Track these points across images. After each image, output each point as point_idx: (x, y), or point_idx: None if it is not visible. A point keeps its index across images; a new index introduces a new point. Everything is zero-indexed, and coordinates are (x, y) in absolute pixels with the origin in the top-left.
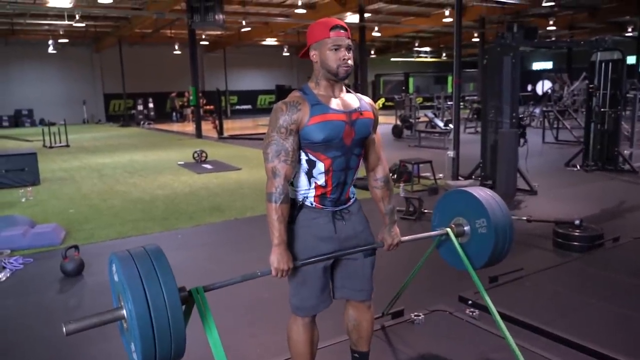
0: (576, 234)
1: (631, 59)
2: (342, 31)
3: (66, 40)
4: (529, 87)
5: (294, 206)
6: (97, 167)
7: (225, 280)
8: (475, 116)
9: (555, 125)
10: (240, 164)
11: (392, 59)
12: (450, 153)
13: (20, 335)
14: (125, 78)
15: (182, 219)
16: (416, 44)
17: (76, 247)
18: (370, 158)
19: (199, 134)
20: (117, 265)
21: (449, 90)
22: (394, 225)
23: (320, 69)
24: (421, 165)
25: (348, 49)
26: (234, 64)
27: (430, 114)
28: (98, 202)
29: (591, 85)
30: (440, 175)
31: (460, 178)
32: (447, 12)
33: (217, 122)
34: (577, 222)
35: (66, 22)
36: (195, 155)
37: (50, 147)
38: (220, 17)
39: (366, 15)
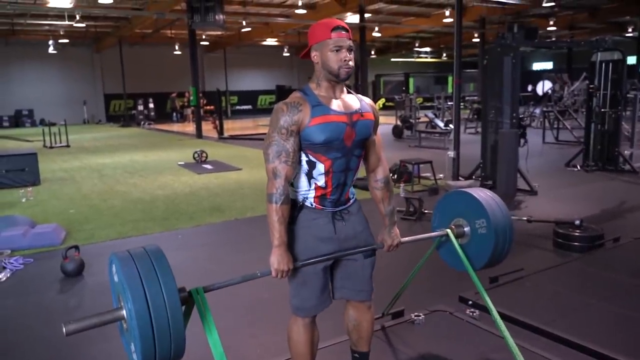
0: (576, 234)
1: (631, 59)
2: (343, 32)
3: (66, 41)
4: (529, 88)
5: (294, 207)
6: (98, 167)
7: (225, 281)
8: (475, 116)
9: (555, 126)
10: (240, 164)
11: (393, 59)
12: (451, 153)
13: (21, 335)
14: (126, 78)
15: (183, 219)
16: (416, 44)
17: (76, 247)
18: (370, 159)
19: (199, 134)
20: (117, 265)
21: (449, 90)
22: (394, 227)
23: (321, 70)
24: (421, 165)
25: (349, 50)
26: (234, 64)
27: (430, 114)
28: (98, 202)
29: (591, 86)
30: (441, 175)
31: (460, 178)
32: (447, 13)
33: (217, 122)
34: (577, 222)
35: (66, 23)
36: (196, 155)
37: (51, 147)
38: (220, 17)
39: (366, 15)
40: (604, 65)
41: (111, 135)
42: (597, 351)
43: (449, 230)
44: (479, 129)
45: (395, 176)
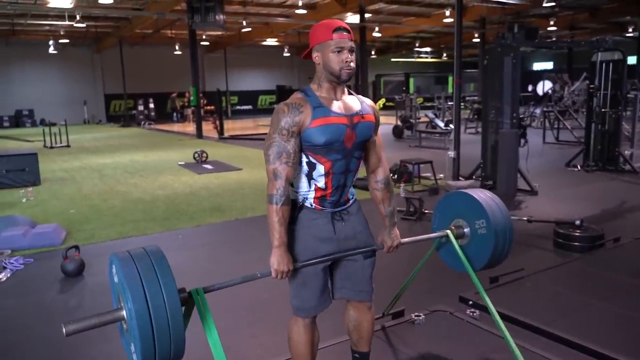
0: (577, 234)
1: (632, 59)
2: (345, 33)
3: (67, 41)
4: (530, 88)
5: (294, 207)
6: (98, 167)
7: (225, 282)
8: (475, 116)
9: (555, 126)
10: (240, 164)
11: (393, 60)
12: (451, 153)
13: (21, 335)
14: (126, 78)
15: (183, 219)
16: (417, 45)
17: (77, 247)
18: (370, 160)
19: (199, 134)
20: (117, 266)
21: (450, 90)
22: (394, 227)
23: (322, 71)
24: (422, 165)
25: (351, 51)
26: (235, 65)
27: (430, 114)
28: (99, 202)
29: (592, 86)
30: (441, 175)
31: (460, 178)
32: (447, 13)
33: (217, 122)
34: (577, 222)
35: (67, 23)
36: (196, 155)
37: (51, 147)
38: (220, 17)
39: (367, 15)
40: (604, 65)
41: (111, 135)
42: (598, 351)
43: (448, 231)
44: (479, 129)
45: (396, 176)
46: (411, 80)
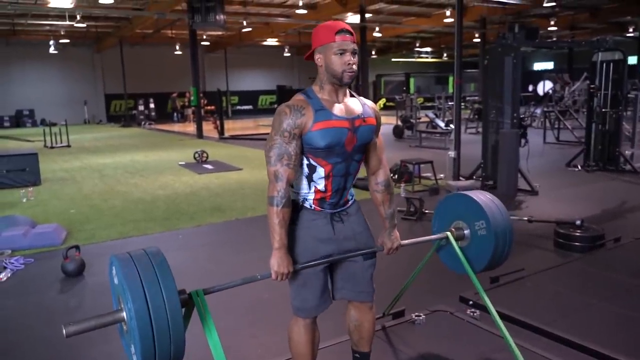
0: (577, 234)
1: (632, 59)
2: (347, 35)
3: (67, 41)
4: (530, 88)
5: (294, 207)
6: (98, 167)
7: (226, 284)
8: (476, 116)
9: (556, 126)
10: (241, 164)
11: (393, 59)
12: (451, 153)
13: (21, 335)
14: (126, 78)
15: (183, 219)
16: (417, 45)
17: (77, 247)
18: (371, 162)
19: (199, 134)
20: (117, 267)
21: (450, 90)
22: (394, 229)
23: (324, 72)
24: (422, 165)
25: (353, 53)
26: (235, 65)
27: (431, 114)
28: (99, 202)
29: (592, 86)
30: (441, 175)
31: (461, 178)
32: (448, 13)
33: (218, 122)
34: (578, 222)
35: (67, 23)
36: (196, 155)
37: (51, 147)
38: (221, 17)
39: (367, 15)
40: (604, 65)
41: (112, 135)
42: (598, 351)
43: (448, 233)
44: (480, 129)
45: (396, 176)
46: (412, 80)
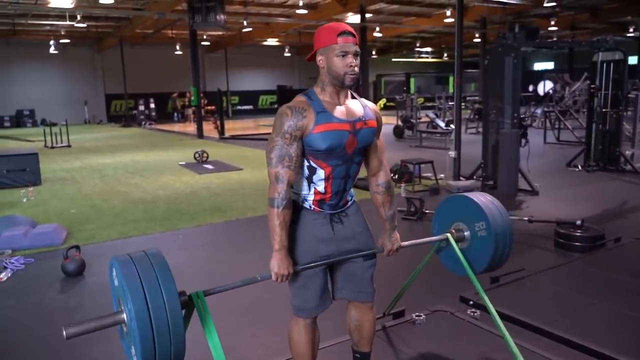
0: (578, 234)
1: (633, 59)
2: (350, 37)
3: (67, 41)
4: (531, 88)
5: (294, 208)
6: (99, 167)
7: (226, 285)
8: (476, 116)
9: (556, 126)
10: (241, 164)
11: (394, 60)
12: (452, 153)
13: (21, 335)
14: (127, 78)
15: (184, 219)
16: (417, 45)
17: (77, 247)
18: (372, 163)
19: (200, 134)
20: (117, 269)
21: (450, 90)
22: (394, 231)
23: (326, 74)
24: (422, 165)
25: (355, 55)
26: (235, 65)
27: (431, 114)
28: (99, 202)
29: (593, 86)
30: (442, 175)
31: (461, 178)
32: (448, 13)
33: (218, 122)
34: (578, 222)
35: (67, 23)
36: (197, 155)
37: (52, 147)
38: (221, 17)
39: (367, 15)
40: (605, 65)
41: (112, 135)
42: (599, 351)
43: (448, 235)
44: (480, 129)
45: (396, 176)
46: (412, 80)
